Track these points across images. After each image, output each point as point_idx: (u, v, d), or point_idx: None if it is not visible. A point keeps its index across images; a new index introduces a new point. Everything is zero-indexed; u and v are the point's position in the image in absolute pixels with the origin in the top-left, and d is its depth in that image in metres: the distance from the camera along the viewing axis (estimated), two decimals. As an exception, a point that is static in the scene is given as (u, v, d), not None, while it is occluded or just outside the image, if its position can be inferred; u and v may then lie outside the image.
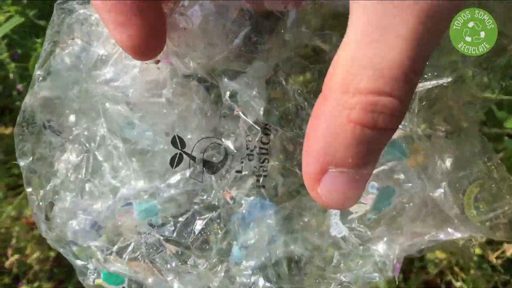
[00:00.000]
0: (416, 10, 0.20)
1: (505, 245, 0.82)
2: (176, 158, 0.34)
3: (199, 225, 0.35)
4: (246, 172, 0.33)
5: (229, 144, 0.34)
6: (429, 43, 0.22)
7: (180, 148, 0.34)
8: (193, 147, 0.34)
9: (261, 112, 0.33)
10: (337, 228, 0.33)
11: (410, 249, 0.29)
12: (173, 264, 0.35)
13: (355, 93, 0.21)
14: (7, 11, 0.81)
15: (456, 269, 0.87)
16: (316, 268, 0.33)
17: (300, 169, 0.34)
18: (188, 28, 0.31)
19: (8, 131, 1.04)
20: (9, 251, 1.03)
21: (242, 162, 0.33)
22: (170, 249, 0.35)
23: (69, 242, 0.43)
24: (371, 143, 0.22)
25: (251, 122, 0.33)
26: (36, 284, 1.03)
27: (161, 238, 0.35)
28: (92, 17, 0.37)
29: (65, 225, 0.41)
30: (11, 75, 0.96)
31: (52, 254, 1.04)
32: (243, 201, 0.33)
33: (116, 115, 0.36)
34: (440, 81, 0.33)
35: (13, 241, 1.02)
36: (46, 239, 0.46)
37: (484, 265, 0.84)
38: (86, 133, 0.40)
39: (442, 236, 0.28)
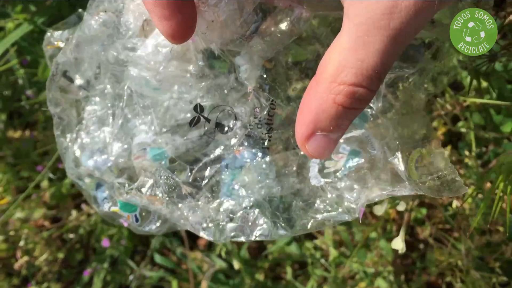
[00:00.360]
0: (389, 33, 0.30)
1: (503, 247, 0.85)
2: (195, 120, 0.43)
3: (209, 172, 0.44)
4: (255, 136, 0.43)
5: (238, 111, 0.43)
6: (396, 53, 0.31)
7: (199, 112, 0.43)
8: (209, 112, 0.43)
9: (267, 88, 0.42)
10: (316, 179, 0.43)
11: (372, 199, 0.40)
12: (188, 201, 0.45)
13: (340, 84, 0.31)
14: (16, 19, 0.82)
15: (456, 270, 0.90)
16: (299, 208, 0.43)
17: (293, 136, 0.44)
18: (215, 20, 0.39)
19: (17, 134, 1.05)
20: (18, 253, 1.04)
21: (251, 128, 0.43)
22: (186, 189, 0.44)
23: (84, 177, 0.52)
24: (347, 117, 0.33)
25: (261, 99, 0.42)
26: (45, 285, 1.07)
27: (180, 181, 0.44)
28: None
29: (89, 162, 0.49)
30: (20, 81, 0.97)
31: (61, 255, 1.07)
32: (245, 156, 0.43)
33: (141, 79, 0.44)
34: (406, 71, 0.43)
35: (22, 243, 1.03)
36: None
37: (483, 267, 0.86)
38: (111, 90, 0.47)
39: (395, 192, 0.39)
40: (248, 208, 0.44)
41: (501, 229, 0.85)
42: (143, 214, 0.51)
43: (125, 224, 0.53)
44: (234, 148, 0.43)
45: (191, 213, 0.44)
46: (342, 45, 0.31)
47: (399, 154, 0.40)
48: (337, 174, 0.42)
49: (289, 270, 1.03)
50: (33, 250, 1.05)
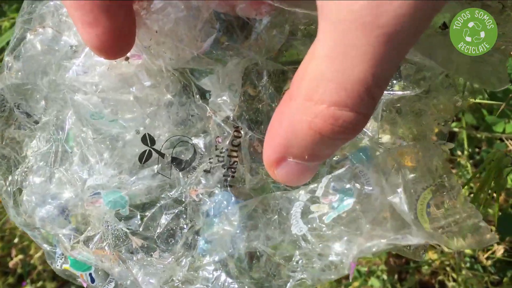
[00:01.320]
0: (379, 34, 0.21)
1: (495, 246, 0.84)
2: (146, 155, 0.34)
3: (165, 219, 0.35)
4: (215, 172, 0.34)
5: (198, 143, 0.34)
6: (391, 62, 0.22)
7: (149, 145, 0.34)
8: (163, 145, 0.34)
9: (231, 114, 0.33)
10: (297, 226, 0.34)
11: (367, 250, 0.30)
12: (139, 256, 0.35)
13: (318, 102, 0.23)
14: (12, 18, 0.82)
15: (448, 269, 0.89)
16: (275, 265, 0.34)
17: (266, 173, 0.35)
18: (160, 31, 0.31)
19: (13, 133, 1.04)
20: (13, 251, 1.03)
21: (210, 162, 0.34)
22: (136, 242, 0.35)
23: (35, 227, 0.44)
24: (327, 147, 0.25)
25: (222, 124, 0.33)
26: (39, 284, 1.04)
27: (128, 231, 0.35)
28: (63, 9, 0.36)
29: (34, 211, 0.41)
30: (15, 79, 0.98)
31: (56, 254, 1.06)
32: (207, 199, 0.34)
33: (84, 107, 0.36)
34: (407, 92, 0.34)
35: (17, 240, 1.02)
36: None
37: (476, 266, 0.86)
38: (55, 121, 0.40)
39: (399, 241, 0.30)
40: (212, 266, 0.34)
41: (492, 228, 0.85)
42: (100, 273, 0.42)
43: (84, 285, 0.44)
44: (190, 187, 0.34)
45: (142, 272, 0.35)
46: (318, 52, 0.23)
47: (401, 192, 0.30)
48: (324, 218, 0.33)
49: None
50: (28, 248, 1.04)
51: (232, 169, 0.34)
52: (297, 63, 0.35)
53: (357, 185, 0.33)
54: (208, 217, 0.35)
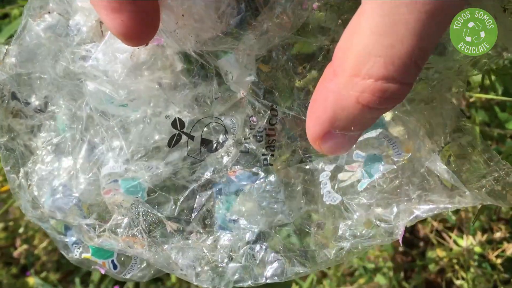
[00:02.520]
0: (427, 8, 0.22)
1: (505, 244, 0.85)
2: (175, 138, 0.34)
3: (199, 201, 0.35)
4: (253, 152, 0.34)
5: (229, 123, 0.34)
6: (437, 34, 0.23)
7: (179, 129, 0.34)
8: (192, 127, 0.34)
9: (261, 92, 0.33)
10: (330, 196, 0.35)
11: (421, 215, 0.31)
12: (175, 240, 0.36)
13: (365, 77, 0.23)
14: (22, 6, 0.80)
15: (457, 267, 0.89)
16: (320, 236, 0.35)
17: (301, 148, 0.35)
18: (186, 14, 0.31)
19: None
20: (18, 241, 1.01)
21: (247, 142, 0.34)
22: (171, 226, 0.35)
23: (47, 219, 0.43)
24: (373, 116, 0.26)
25: (257, 103, 0.33)
26: (43, 275, 1.02)
27: (162, 216, 0.35)
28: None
29: (50, 202, 0.40)
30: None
31: (60, 245, 1.04)
32: (246, 179, 0.35)
33: (103, 94, 0.35)
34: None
35: (21, 230, 1.00)
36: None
37: (484, 264, 0.86)
38: (66, 110, 0.38)
39: (454, 204, 0.30)
40: (253, 242, 0.35)
41: (502, 227, 0.88)
42: (122, 259, 0.42)
43: (102, 271, 0.44)
44: (228, 169, 0.34)
45: (180, 256, 0.35)
46: (364, 27, 0.23)
47: (437, 155, 0.31)
48: (358, 186, 0.34)
49: (288, 264, 1.03)
50: (32, 239, 1.03)
51: (271, 148, 0.34)
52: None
53: (385, 151, 0.34)
54: (239, 194, 0.35)
